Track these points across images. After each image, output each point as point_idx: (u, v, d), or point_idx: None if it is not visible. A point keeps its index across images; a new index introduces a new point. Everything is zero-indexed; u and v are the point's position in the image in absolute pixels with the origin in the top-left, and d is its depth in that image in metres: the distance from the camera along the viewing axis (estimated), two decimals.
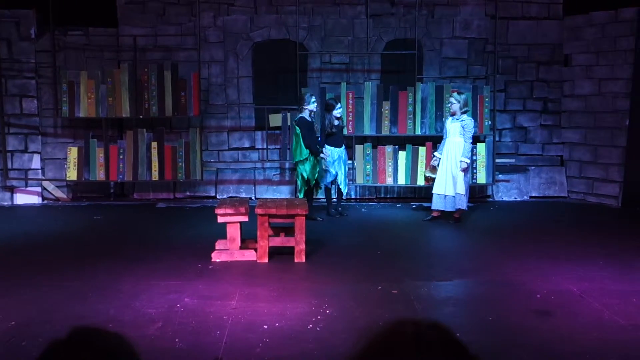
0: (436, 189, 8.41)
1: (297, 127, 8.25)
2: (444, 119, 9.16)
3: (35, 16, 9.97)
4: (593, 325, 4.69)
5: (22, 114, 10.04)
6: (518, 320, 4.82)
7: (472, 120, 8.37)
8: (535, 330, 4.61)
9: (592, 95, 10.20)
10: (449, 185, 8.28)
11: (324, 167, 8.68)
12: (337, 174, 8.74)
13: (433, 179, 8.55)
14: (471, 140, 8.32)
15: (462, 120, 8.22)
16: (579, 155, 10.45)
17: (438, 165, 8.48)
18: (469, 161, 8.26)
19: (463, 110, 8.29)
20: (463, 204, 8.26)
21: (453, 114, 8.37)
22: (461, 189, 8.20)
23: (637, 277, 5.90)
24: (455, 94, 8.46)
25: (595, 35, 10.12)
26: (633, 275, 5.96)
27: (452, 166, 8.26)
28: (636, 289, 5.54)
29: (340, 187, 8.85)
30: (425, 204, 9.52)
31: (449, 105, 8.51)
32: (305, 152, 8.20)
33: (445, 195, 8.31)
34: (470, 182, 8.78)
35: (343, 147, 8.82)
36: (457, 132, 8.25)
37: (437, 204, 8.40)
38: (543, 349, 4.30)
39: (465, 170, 8.20)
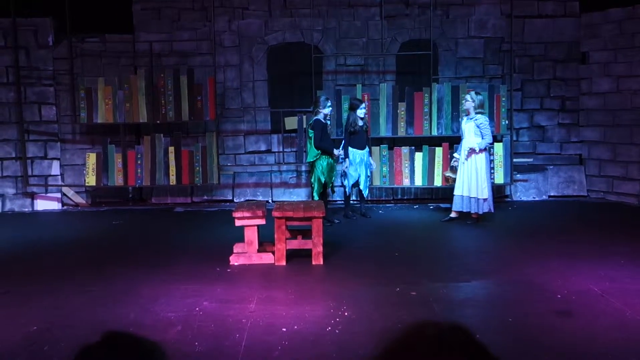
0: (456, 190, 8.38)
1: (311, 131, 8.29)
2: (460, 119, 9.10)
3: (52, 24, 10.09)
4: (615, 325, 4.63)
5: (41, 121, 10.16)
6: (539, 321, 4.78)
7: (487, 118, 8.29)
8: (556, 330, 4.56)
9: (611, 92, 10.09)
10: (466, 186, 8.23)
11: (344, 170, 8.68)
12: (359, 176, 8.73)
13: (453, 179, 8.49)
14: (491, 136, 8.22)
15: (476, 120, 8.17)
16: (598, 154, 10.34)
17: (457, 166, 8.43)
18: (475, 147, 8.13)
19: (478, 110, 8.22)
20: (484, 208, 8.20)
21: (468, 114, 8.32)
22: (483, 193, 8.13)
23: None
24: (472, 92, 8.39)
25: (612, 32, 10.02)
26: None
27: (470, 167, 8.21)
28: None
29: (362, 189, 8.84)
30: (442, 205, 9.49)
31: (463, 102, 8.46)
32: (315, 151, 8.23)
33: (463, 196, 8.28)
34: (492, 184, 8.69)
35: (366, 149, 8.80)
36: (471, 132, 8.20)
37: (457, 205, 8.38)
38: (564, 349, 4.25)
39: (482, 148, 8.12)
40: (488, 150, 8.38)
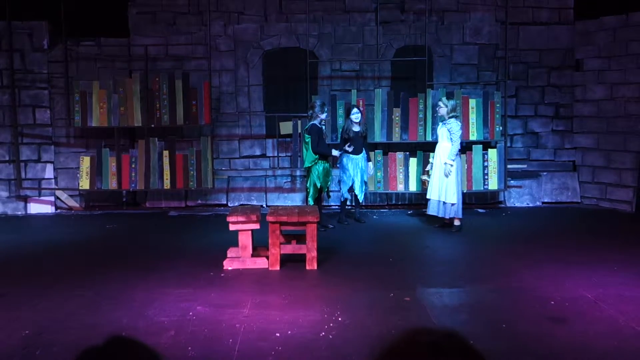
0: (429, 194, 8.44)
1: (307, 136, 8.29)
2: (436, 124, 9.18)
3: (47, 27, 10.08)
4: (608, 332, 4.64)
5: (35, 124, 10.14)
6: (532, 327, 4.79)
7: (458, 124, 8.29)
8: (549, 337, 4.57)
9: (604, 100, 10.15)
10: (436, 189, 8.28)
11: (340, 173, 8.70)
12: (353, 182, 8.74)
13: (427, 182, 8.58)
14: (459, 143, 8.25)
15: (448, 125, 8.21)
16: (592, 161, 10.38)
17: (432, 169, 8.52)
18: (452, 163, 8.19)
19: (450, 115, 8.26)
20: (454, 213, 8.23)
21: (443, 119, 8.39)
22: (452, 198, 8.16)
23: None
24: (444, 98, 8.47)
25: (606, 39, 10.08)
26: None
27: (441, 171, 8.26)
28: None
29: (357, 194, 8.84)
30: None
31: (438, 109, 8.50)
32: (313, 156, 8.24)
33: (431, 200, 8.34)
34: (463, 189, 8.68)
35: (362, 154, 8.79)
36: (444, 136, 8.26)
37: (430, 209, 8.42)
38: (557, 356, 4.26)
39: (449, 174, 8.15)
40: (459, 155, 8.38)
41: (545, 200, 10.48)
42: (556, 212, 9.93)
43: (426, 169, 8.87)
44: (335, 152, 8.53)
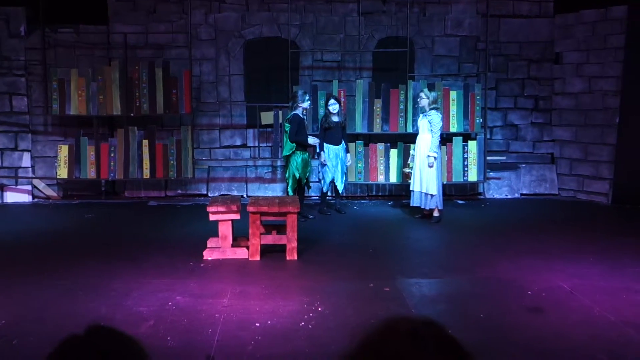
0: (411, 186, 8.49)
1: (287, 125, 8.28)
2: (417, 116, 9.22)
3: (25, 13, 9.90)
4: (583, 322, 4.72)
5: (12, 112, 9.98)
6: (509, 317, 4.85)
7: (439, 115, 8.33)
8: (526, 326, 4.63)
9: (583, 93, 10.25)
10: (417, 181, 8.33)
11: (322, 162, 8.68)
12: (334, 173, 8.74)
13: (410, 174, 8.65)
14: (439, 135, 8.29)
15: (429, 116, 8.25)
16: (570, 153, 10.50)
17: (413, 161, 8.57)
18: (436, 155, 8.24)
19: (432, 106, 8.30)
20: (434, 204, 8.28)
21: (424, 111, 8.43)
22: (432, 189, 8.21)
23: (626, 274, 5.95)
24: (425, 89, 8.52)
25: (585, 33, 10.17)
26: (623, 272, 6.00)
27: (422, 163, 8.30)
28: (626, 285, 5.58)
29: (337, 184, 8.85)
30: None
31: (419, 100, 8.53)
32: (291, 145, 8.24)
33: (414, 191, 8.39)
34: (443, 181, 8.76)
35: (342, 145, 8.79)
36: (425, 128, 8.30)
37: (413, 200, 8.47)
38: (534, 345, 4.32)
39: (432, 165, 8.20)
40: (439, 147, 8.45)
41: (524, 192, 10.59)
42: (534, 203, 10.04)
43: (408, 162, 8.91)
44: (311, 141, 8.51)
